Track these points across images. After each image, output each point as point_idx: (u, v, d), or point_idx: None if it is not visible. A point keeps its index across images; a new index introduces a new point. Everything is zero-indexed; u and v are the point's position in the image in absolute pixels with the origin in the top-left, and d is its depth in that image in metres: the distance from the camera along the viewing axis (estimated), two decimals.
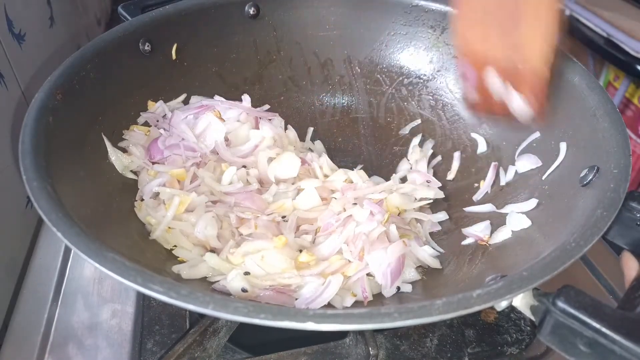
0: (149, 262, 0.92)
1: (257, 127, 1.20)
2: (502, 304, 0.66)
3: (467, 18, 1.06)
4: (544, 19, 0.97)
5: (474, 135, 1.25)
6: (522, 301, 0.68)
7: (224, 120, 1.16)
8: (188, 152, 1.09)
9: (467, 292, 0.63)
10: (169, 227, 0.97)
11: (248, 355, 1.01)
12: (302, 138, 1.33)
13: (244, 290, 0.88)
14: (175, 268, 0.91)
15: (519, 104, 1.03)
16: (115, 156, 1.04)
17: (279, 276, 0.90)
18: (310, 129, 1.38)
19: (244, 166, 1.12)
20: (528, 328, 1.06)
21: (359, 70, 1.40)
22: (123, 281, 0.64)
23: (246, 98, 1.26)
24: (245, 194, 1.06)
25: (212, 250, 0.97)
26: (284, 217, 1.06)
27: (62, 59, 0.98)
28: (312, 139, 1.36)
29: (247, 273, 0.91)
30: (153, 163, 1.08)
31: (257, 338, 1.05)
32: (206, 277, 0.93)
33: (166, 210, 0.97)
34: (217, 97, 1.25)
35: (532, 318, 0.67)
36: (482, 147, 1.23)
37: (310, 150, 1.32)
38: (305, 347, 0.99)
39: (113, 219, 0.94)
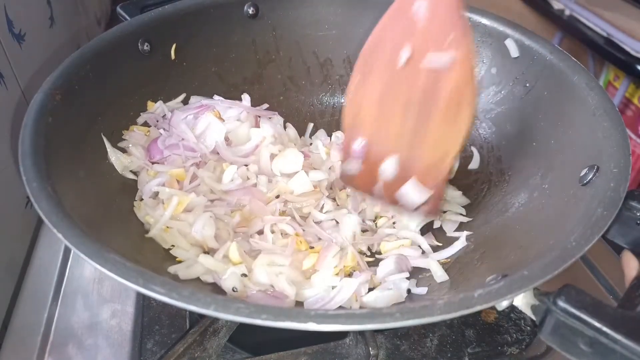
0: (148, 262, 0.92)
1: (257, 126, 1.21)
2: (503, 304, 0.67)
3: (370, 89, 1.01)
4: (463, 119, 0.94)
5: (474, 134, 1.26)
6: (522, 301, 0.68)
7: (224, 120, 1.16)
8: (188, 152, 1.10)
9: (468, 292, 0.63)
10: (167, 227, 0.97)
11: (248, 355, 1.01)
12: (301, 136, 1.34)
13: (234, 290, 0.89)
14: (172, 269, 0.91)
15: (413, 196, 1.00)
16: (114, 157, 1.04)
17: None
18: (310, 125, 1.38)
19: (245, 165, 1.13)
20: (528, 328, 1.06)
21: None
22: (124, 282, 0.64)
23: (246, 97, 1.27)
24: (244, 189, 1.07)
25: (207, 252, 0.97)
26: (277, 196, 1.10)
27: (62, 59, 0.98)
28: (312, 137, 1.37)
29: (244, 275, 0.92)
30: (153, 163, 1.08)
31: (257, 338, 1.05)
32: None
33: (164, 209, 0.97)
34: (216, 97, 1.25)
35: (533, 317, 0.68)
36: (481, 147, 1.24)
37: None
38: (305, 347, 0.99)
39: (113, 219, 0.94)
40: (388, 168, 1.01)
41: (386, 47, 0.97)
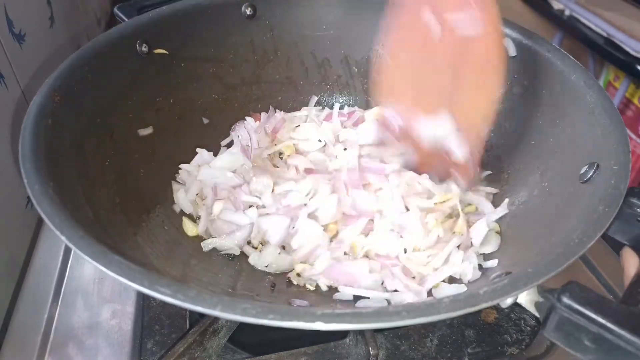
0: (147, 260, 0.93)
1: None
2: (507, 301, 0.67)
3: (400, 67, 1.07)
4: (488, 86, 1.00)
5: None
6: (526, 298, 0.68)
7: None
8: None
9: (473, 290, 0.63)
10: None
11: (248, 355, 1.01)
12: None
13: None
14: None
15: (455, 148, 1.05)
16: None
17: None
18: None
19: None
20: (528, 328, 1.06)
21: (356, 70, 1.40)
22: (130, 284, 0.64)
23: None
24: None
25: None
26: None
27: (62, 59, 0.98)
28: None
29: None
30: None
31: (257, 338, 1.05)
32: None
33: None
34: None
35: (536, 314, 0.68)
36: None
37: None
38: (305, 347, 0.99)
39: (114, 220, 0.94)
40: (425, 130, 1.06)
41: (411, 19, 1.01)
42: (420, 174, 1.11)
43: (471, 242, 1.03)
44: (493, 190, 1.14)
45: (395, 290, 0.97)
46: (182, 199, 1.14)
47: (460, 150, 1.04)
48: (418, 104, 1.06)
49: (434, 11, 0.98)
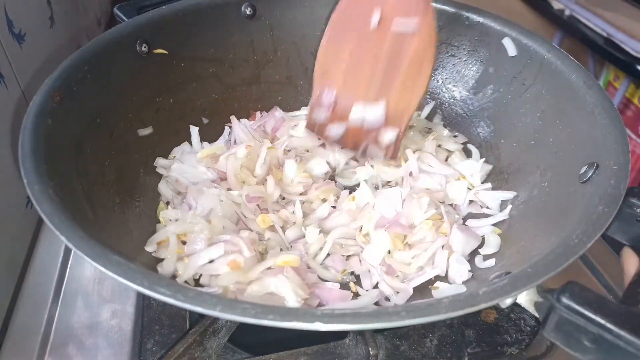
0: (148, 261, 0.95)
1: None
2: (507, 302, 0.67)
3: (341, 46, 1.14)
4: (423, 76, 1.09)
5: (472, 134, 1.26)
6: (525, 298, 0.68)
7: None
8: None
9: (473, 290, 0.63)
10: None
11: (248, 355, 1.01)
12: None
13: None
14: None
15: (385, 136, 1.13)
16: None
17: None
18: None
19: None
20: (528, 328, 1.06)
21: None
22: (129, 284, 0.64)
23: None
24: None
25: None
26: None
27: (62, 59, 0.98)
28: None
29: None
30: None
31: (257, 338, 1.05)
32: None
33: None
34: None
35: (536, 315, 0.68)
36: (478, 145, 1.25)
37: None
38: (305, 347, 0.99)
39: (114, 220, 0.95)
40: (357, 113, 1.13)
41: (358, 10, 1.11)
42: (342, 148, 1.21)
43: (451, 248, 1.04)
44: (508, 195, 1.13)
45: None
46: (164, 189, 1.15)
47: (387, 134, 1.12)
48: (351, 89, 1.14)
49: (383, 13, 1.08)
